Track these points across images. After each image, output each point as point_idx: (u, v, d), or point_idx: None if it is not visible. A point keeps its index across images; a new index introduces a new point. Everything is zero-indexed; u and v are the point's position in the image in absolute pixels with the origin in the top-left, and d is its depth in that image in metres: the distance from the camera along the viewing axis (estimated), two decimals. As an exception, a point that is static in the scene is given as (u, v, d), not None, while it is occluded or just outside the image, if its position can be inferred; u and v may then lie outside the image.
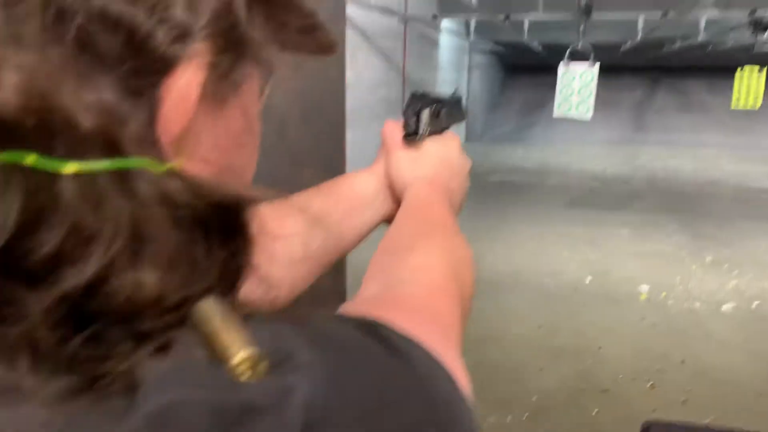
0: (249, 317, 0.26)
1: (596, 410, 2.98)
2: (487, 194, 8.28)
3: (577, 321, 4.00)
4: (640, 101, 15.96)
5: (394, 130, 0.73)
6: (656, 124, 14.83)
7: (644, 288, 4.60)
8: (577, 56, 6.18)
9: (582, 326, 3.92)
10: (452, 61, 11.71)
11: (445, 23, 10.02)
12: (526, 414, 2.94)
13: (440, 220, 0.63)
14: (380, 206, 0.73)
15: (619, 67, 15.46)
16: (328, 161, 1.50)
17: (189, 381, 0.24)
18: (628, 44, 10.16)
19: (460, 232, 0.64)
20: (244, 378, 0.24)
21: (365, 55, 7.02)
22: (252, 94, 0.34)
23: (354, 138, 8.06)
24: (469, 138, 13.61)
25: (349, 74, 7.23)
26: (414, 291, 0.46)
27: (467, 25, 10.65)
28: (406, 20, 7.86)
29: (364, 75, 7.03)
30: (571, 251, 5.54)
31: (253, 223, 0.28)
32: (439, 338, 0.36)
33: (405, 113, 0.72)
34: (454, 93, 0.85)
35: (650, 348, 3.60)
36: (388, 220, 0.73)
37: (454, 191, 0.74)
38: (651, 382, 3.21)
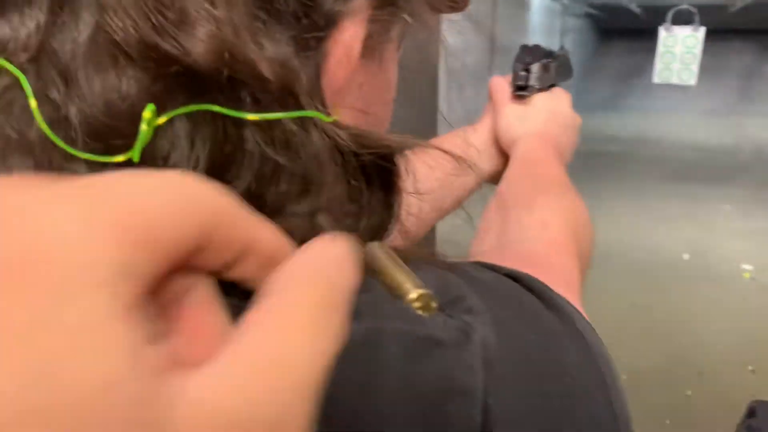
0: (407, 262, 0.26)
1: (690, 392, 2.85)
2: (579, 165, 7.91)
3: (672, 300, 3.82)
4: (748, 68, 14.85)
5: (502, 85, 0.72)
6: (766, 94, 13.77)
7: (748, 267, 4.32)
8: (681, 19, 5.79)
9: (677, 306, 3.74)
10: (544, 25, 11.28)
11: (538, -14, 9.63)
12: (615, 393, 2.86)
13: (555, 176, 0.62)
14: (485, 164, 0.72)
15: (727, 30, 14.38)
16: (419, 129, 1.47)
17: (380, 312, 0.25)
18: (738, 5, 9.41)
19: (574, 187, 0.62)
20: (420, 314, 0.24)
21: (450, 21, 6.87)
22: (393, 56, 0.35)
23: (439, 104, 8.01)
24: (560, 106, 13.14)
25: (437, 41, 7.19)
26: (536, 248, 0.46)
27: (561, -13, 10.19)
28: (496, -17, 7.60)
29: (449, 41, 6.89)
30: (668, 227, 5.28)
31: (402, 175, 0.30)
32: (570, 297, 0.36)
33: (514, 67, 0.70)
34: (561, 48, 0.83)
35: (752, 331, 3.39)
36: (494, 179, 0.72)
37: (564, 146, 0.72)
38: (751, 367, 3.03)
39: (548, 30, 11.93)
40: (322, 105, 0.27)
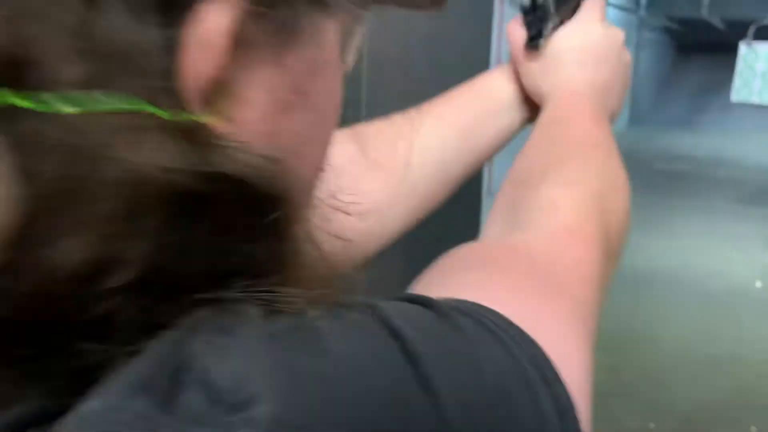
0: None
1: (754, 428, 2.71)
2: (650, 183, 7.74)
3: (740, 329, 3.64)
4: (840, 85, 14.01)
5: (517, 32, 0.61)
6: None
7: (827, 299, 4.08)
8: (764, 35, 5.53)
9: (746, 335, 3.56)
10: (618, 40, 11.00)
11: (613, -1, 9.41)
12: (673, 423, 2.74)
13: (581, 138, 0.53)
14: (520, 109, 0.64)
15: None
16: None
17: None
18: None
19: (610, 144, 0.54)
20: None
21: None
22: (325, 51, 0.28)
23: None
24: (634, 121, 12.77)
25: (504, 49, 7.15)
26: (535, 238, 0.40)
27: None
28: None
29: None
30: (741, 252, 5.04)
31: (294, 211, 0.24)
32: (541, 304, 0.31)
33: (521, 7, 0.58)
34: None
35: (828, 367, 3.20)
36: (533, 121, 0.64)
37: (605, 83, 0.61)
38: (825, 406, 2.85)
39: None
40: (176, 104, 0.22)
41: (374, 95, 1.06)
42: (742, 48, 5.12)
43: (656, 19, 11.71)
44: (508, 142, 0.66)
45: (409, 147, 0.59)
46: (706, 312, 3.88)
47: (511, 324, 0.27)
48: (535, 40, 0.58)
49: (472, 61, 1.44)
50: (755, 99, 5.05)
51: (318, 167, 0.30)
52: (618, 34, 0.63)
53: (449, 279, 0.33)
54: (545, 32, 0.57)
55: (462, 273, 0.33)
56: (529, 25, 0.58)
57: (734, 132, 12.06)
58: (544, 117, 0.58)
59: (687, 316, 3.81)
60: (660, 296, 4.13)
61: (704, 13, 8.67)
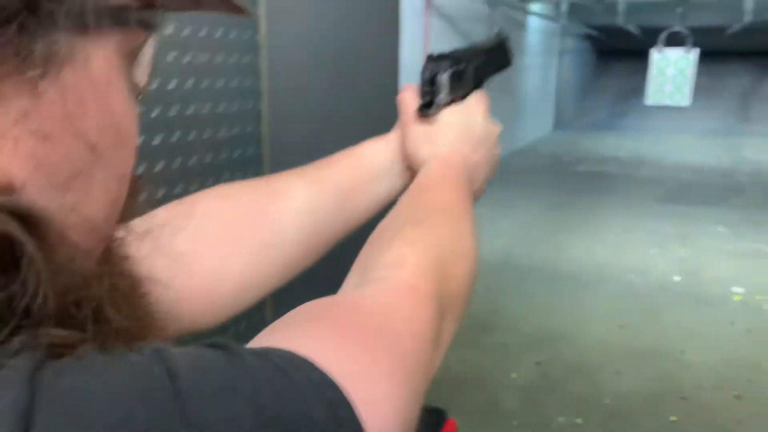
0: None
1: (674, 418, 2.82)
2: (575, 184, 8.00)
3: (661, 322, 3.80)
4: (746, 89, 14.90)
5: (411, 98, 0.66)
6: (763, 115, 13.80)
7: (738, 290, 4.30)
8: (676, 41, 5.82)
9: (666, 328, 3.71)
10: (541, 46, 11.34)
11: (534, 6, 9.70)
12: (599, 417, 2.82)
13: (440, 205, 0.57)
14: (397, 178, 0.68)
15: (725, 52, 14.45)
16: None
17: None
18: (735, 27, 9.46)
19: (468, 215, 0.58)
20: None
21: (450, 40, 6.92)
22: (94, 75, 0.27)
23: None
24: (559, 125, 13.18)
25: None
26: (378, 293, 0.42)
27: (557, 7, 10.27)
28: (492, 4, 7.67)
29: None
30: (660, 248, 5.26)
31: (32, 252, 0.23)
32: (362, 354, 0.33)
33: (421, 80, 0.64)
34: (497, 34, 0.75)
35: (740, 355, 3.36)
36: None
37: (477, 164, 0.67)
38: (736, 393, 3.00)
39: (546, 50, 12.01)
40: None
41: (277, 109, 1.04)
42: (654, 54, 5.36)
43: (576, 27, 12.13)
44: (386, 207, 0.68)
45: (281, 211, 0.61)
46: (628, 307, 4.02)
47: (314, 368, 0.28)
48: (426, 109, 0.64)
49: (382, 76, 1.43)
50: (668, 101, 5.29)
51: (110, 202, 0.29)
52: (495, 130, 0.70)
53: (288, 330, 0.36)
54: (437, 103, 0.64)
55: (301, 325, 0.36)
56: (423, 94, 0.64)
57: (653, 133, 12.64)
58: (417, 181, 0.62)
59: (610, 312, 3.94)
60: (584, 293, 4.26)
61: (620, 20, 9.04)
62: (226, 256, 0.57)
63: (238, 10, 0.32)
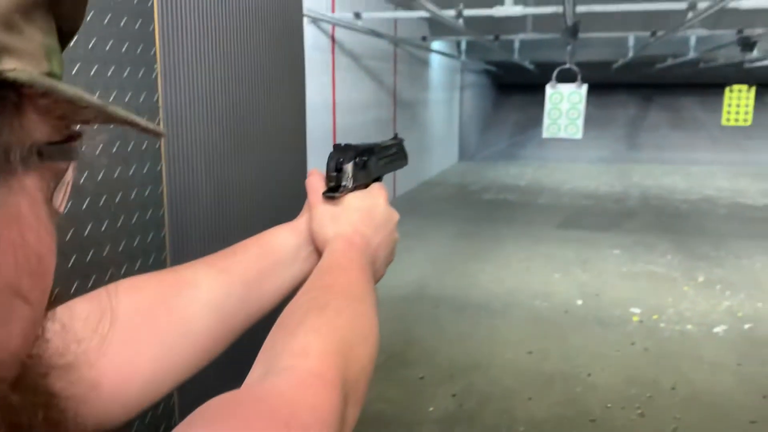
0: None
1: (585, 440, 2.92)
2: (480, 213, 8.26)
3: (567, 346, 3.95)
4: (633, 118, 16.02)
5: (317, 182, 0.71)
6: (649, 142, 14.87)
7: (636, 310, 4.55)
8: (568, 76, 6.19)
9: (572, 351, 3.86)
10: (444, 81, 11.74)
11: (436, 44, 10.05)
12: (514, 445, 2.88)
13: (343, 287, 0.60)
14: (304, 262, 0.71)
15: (612, 84, 15.53)
16: (290, 187, 1.46)
17: None
18: (620, 62, 10.20)
19: (370, 295, 0.61)
20: None
21: (354, 77, 7.03)
22: (18, 214, 0.27)
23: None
24: (463, 157, 13.62)
25: (338, 95, 7.25)
26: (284, 383, 0.44)
27: (457, 45, 10.70)
28: (395, 42, 7.88)
29: (353, 96, 7.04)
30: (562, 273, 5.50)
31: None
32: None
33: (327, 167, 0.70)
34: (394, 137, 0.82)
35: (641, 374, 3.55)
36: None
37: (378, 247, 0.72)
38: (640, 410, 3.16)
39: (448, 85, 12.44)
40: None
41: (175, 168, 1.02)
42: (548, 89, 5.67)
43: (475, 63, 12.66)
44: (295, 290, 0.70)
45: (189, 302, 0.62)
46: (536, 332, 4.17)
47: None
48: (332, 192, 0.69)
49: (288, 115, 1.43)
50: (563, 134, 5.60)
51: (29, 330, 0.29)
52: (395, 216, 0.75)
53: (194, 429, 0.37)
54: (342, 188, 0.69)
55: (209, 427, 0.37)
56: (330, 179, 0.70)
57: (551, 162, 13.31)
58: (322, 262, 0.65)
59: (519, 338, 4.06)
60: (494, 321, 4.37)
61: (515, 57, 9.52)
62: (135, 350, 0.57)
63: (151, 132, 0.32)
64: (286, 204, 1.45)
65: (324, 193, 0.69)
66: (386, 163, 0.78)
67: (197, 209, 1.07)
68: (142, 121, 0.31)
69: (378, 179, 0.76)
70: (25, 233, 0.28)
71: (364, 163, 0.72)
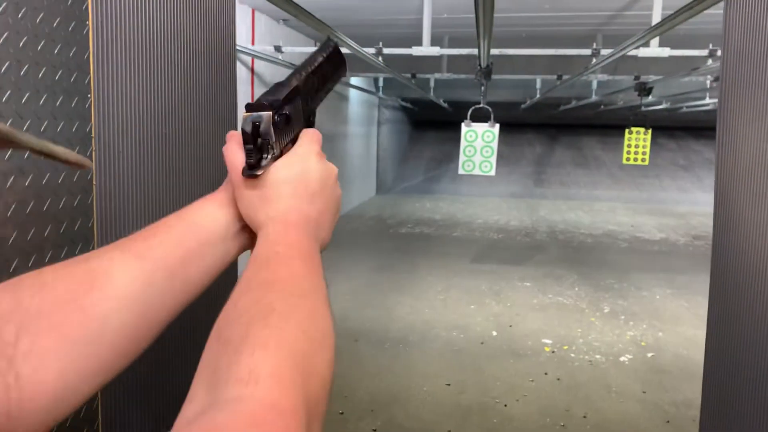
0: None
1: (503, 470, 2.97)
2: (398, 246, 8.35)
3: (484, 377, 4.03)
4: (539, 156, 16.79)
5: (237, 157, 0.60)
6: (555, 178, 15.60)
7: (548, 341, 4.71)
8: (480, 114, 6.44)
9: (489, 382, 3.94)
10: (362, 116, 11.91)
11: (355, 79, 10.21)
12: (435, 478, 2.89)
13: (287, 282, 0.52)
14: (234, 239, 0.62)
15: (521, 124, 16.28)
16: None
17: None
18: (528, 102, 10.71)
19: (319, 286, 0.54)
20: None
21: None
22: None
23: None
24: (380, 190, 13.78)
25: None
26: (233, 420, 0.37)
27: (375, 81, 10.90)
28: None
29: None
30: (477, 305, 5.63)
31: None
32: None
33: (243, 137, 0.57)
34: (325, 42, 0.68)
35: (554, 403, 3.67)
36: (251, 248, 0.61)
37: (319, 214, 0.63)
38: (555, 439, 3.25)
39: (367, 120, 12.63)
40: None
41: (106, 136, 0.98)
42: (464, 127, 5.86)
43: (393, 100, 12.94)
44: (223, 271, 0.63)
45: (101, 298, 0.54)
46: (453, 364, 4.23)
47: None
48: (253, 169, 0.57)
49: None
50: (477, 171, 5.79)
51: None
52: (332, 170, 0.65)
53: None
54: (264, 162, 0.57)
55: None
56: (249, 152, 0.57)
57: (464, 196, 13.71)
58: (257, 251, 0.57)
59: (437, 371, 4.11)
60: (413, 354, 4.41)
61: (431, 95, 9.80)
62: (39, 363, 0.49)
63: (73, 164, 0.30)
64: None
65: (244, 172, 0.57)
66: (318, 89, 0.65)
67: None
68: (56, 152, 0.28)
69: (311, 116, 0.64)
70: None
71: (286, 117, 0.59)
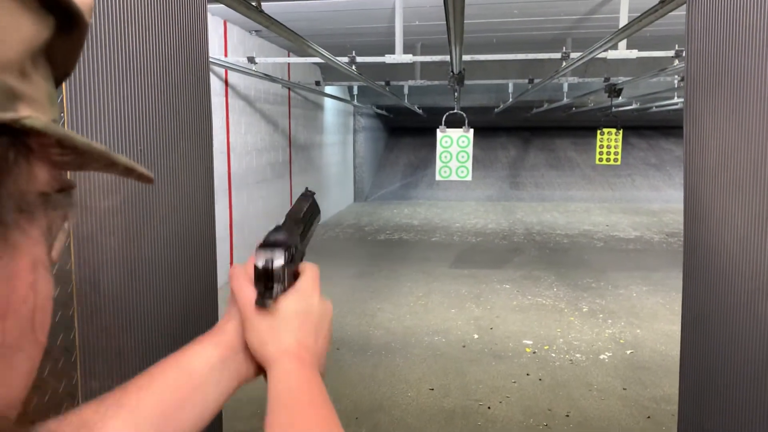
0: None
1: (489, 472, 2.99)
2: (377, 253, 8.36)
3: (467, 380, 4.05)
4: (514, 159, 16.95)
5: (247, 289, 0.64)
6: (529, 181, 15.75)
7: (528, 342, 4.76)
8: (455, 119, 6.50)
9: (472, 385, 3.97)
10: (338, 124, 11.92)
11: (329, 88, 10.22)
12: (421, 483, 2.90)
13: (315, 419, 0.56)
14: (230, 378, 0.64)
15: (494, 128, 16.43)
16: (198, 235, 1.43)
17: None
18: (501, 107, 10.82)
19: (334, 418, 0.58)
20: None
21: (248, 120, 6.99)
22: (27, 262, 0.27)
23: (239, 200, 7.94)
24: (358, 198, 13.79)
25: (233, 139, 7.14)
26: None
27: (350, 89, 10.93)
28: (289, 86, 7.94)
29: (248, 139, 6.99)
30: (458, 308, 5.66)
31: None
32: None
33: (256, 271, 0.63)
34: (304, 193, 0.77)
35: (537, 403, 3.70)
36: (256, 376, 0.66)
37: (321, 349, 0.67)
38: (539, 439, 3.28)
39: (342, 128, 12.64)
40: None
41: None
42: (439, 133, 5.91)
43: (368, 107, 12.98)
44: (222, 407, 0.65)
45: None
46: (436, 369, 4.24)
47: None
48: (265, 300, 0.62)
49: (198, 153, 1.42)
50: (454, 177, 5.83)
51: (31, 373, 0.29)
52: (329, 308, 0.70)
53: None
54: (275, 293, 0.63)
55: None
56: (260, 286, 0.63)
57: (442, 201, 13.78)
58: (277, 389, 0.60)
59: (420, 376, 4.12)
60: (395, 359, 4.41)
61: (406, 101, 9.85)
62: None
63: (144, 178, 0.32)
64: (194, 251, 1.42)
65: (257, 302, 0.62)
66: (309, 234, 0.73)
67: (105, 263, 1.03)
68: (138, 167, 0.30)
69: (302, 256, 0.70)
70: (37, 278, 0.28)
71: (292, 256, 0.65)
